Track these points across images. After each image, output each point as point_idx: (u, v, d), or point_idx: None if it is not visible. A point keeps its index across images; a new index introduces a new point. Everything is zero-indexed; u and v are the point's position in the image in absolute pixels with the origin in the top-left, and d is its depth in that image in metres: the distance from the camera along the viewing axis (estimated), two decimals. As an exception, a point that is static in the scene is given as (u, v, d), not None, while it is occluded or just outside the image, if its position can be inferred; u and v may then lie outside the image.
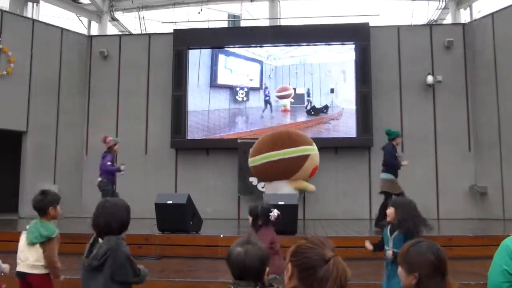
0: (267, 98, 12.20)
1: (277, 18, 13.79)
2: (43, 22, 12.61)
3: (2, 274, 3.23)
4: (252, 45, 12.46)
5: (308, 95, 12.10)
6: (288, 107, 12.16)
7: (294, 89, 12.19)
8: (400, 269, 1.91)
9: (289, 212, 6.58)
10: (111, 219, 2.58)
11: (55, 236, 3.45)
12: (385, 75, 12.00)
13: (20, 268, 3.41)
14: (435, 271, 1.82)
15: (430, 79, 11.75)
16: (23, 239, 3.49)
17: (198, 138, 12.18)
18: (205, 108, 12.25)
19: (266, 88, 12.24)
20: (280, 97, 12.21)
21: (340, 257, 1.52)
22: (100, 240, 2.58)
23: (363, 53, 11.87)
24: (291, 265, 1.56)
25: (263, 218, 4.01)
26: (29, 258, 3.41)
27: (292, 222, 6.84)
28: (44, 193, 3.53)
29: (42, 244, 3.42)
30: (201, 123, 12.23)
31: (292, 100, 12.16)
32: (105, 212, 2.60)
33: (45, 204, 3.47)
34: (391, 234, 3.52)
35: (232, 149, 11.68)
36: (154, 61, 12.71)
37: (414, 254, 1.87)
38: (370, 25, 12.11)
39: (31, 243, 3.42)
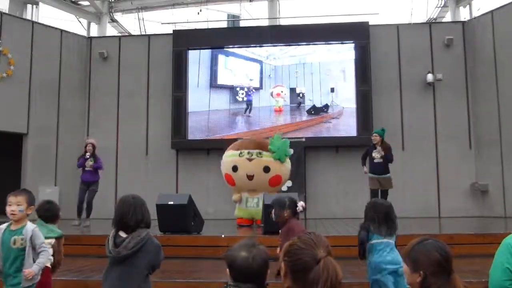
0: (249, 100, 12.21)
1: (277, 18, 13.78)
2: (43, 24, 12.62)
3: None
4: (251, 45, 12.45)
5: (299, 96, 12.09)
6: (282, 107, 12.15)
7: (294, 88, 12.19)
8: (405, 267, 1.90)
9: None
10: (144, 214, 2.79)
11: (62, 236, 3.74)
12: (385, 74, 12.00)
13: None
14: (440, 269, 1.81)
15: (430, 77, 11.74)
16: None
17: (199, 138, 12.17)
18: (205, 109, 12.25)
19: (252, 91, 12.21)
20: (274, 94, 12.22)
21: (331, 257, 1.51)
22: (123, 234, 2.73)
23: (363, 52, 11.87)
24: (284, 264, 1.56)
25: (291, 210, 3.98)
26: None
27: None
28: (49, 202, 3.86)
29: (55, 240, 3.64)
30: (201, 123, 12.23)
31: (285, 100, 12.15)
32: (135, 207, 2.79)
33: (54, 212, 3.78)
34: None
35: (232, 149, 11.67)
36: (154, 62, 12.71)
37: (420, 252, 1.85)
38: (370, 24, 12.10)
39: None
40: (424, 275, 1.81)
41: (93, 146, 8.96)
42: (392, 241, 3.66)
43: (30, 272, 3.15)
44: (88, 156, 8.84)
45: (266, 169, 8.49)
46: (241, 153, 8.64)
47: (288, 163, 8.88)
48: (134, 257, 2.67)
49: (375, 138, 8.39)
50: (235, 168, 8.66)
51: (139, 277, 2.70)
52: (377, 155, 8.27)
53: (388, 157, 8.27)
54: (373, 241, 3.63)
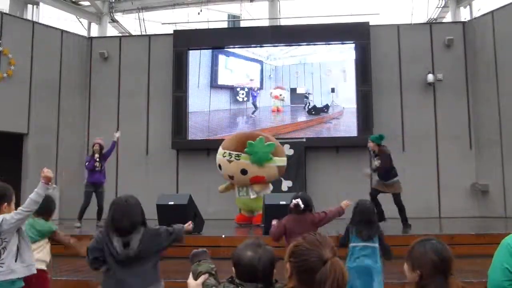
0: (254, 100, 12.22)
1: (277, 18, 13.78)
2: (43, 24, 12.62)
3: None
4: (252, 45, 12.45)
5: (306, 97, 12.10)
6: (280, 107, 12.12)
7: (294, 88, 12.19)
8: (405, 265, 1.94)
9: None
10: (139, 215, 2.81)
11: (56, 229, 3.69)
12: (385, 74, 11.99)
13: None
14: (436, 270, 1.83)
15: (430, 77, 11.74)
16: None
17: (199, 138, 12.18)
18: (205, 109, 12.25)
19: (257, 91, 12.21)
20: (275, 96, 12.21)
21: (337, 258, 1.51)
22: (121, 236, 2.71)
23: (363, 52, 11.87)
24: (289, 265, 1.55)
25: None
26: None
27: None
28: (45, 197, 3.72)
29: (50, 237, 3.63)
30: (201, 123, 12.23)
31: (284, 101, 12.13)
32: (131, 210, 2.78)
33: (46, 207, 3.69)
34: None
35: (233, 149, 11.67)
36: (154, 62, 12.71)
37: (418, 252, 1.89)
38: (370, 24, 12.10)
39: (33, 241, 3.53)
40: (421, 275, 1.84)
41: (100, 147, 8.99)
42: (372, 244, 3.66)
43: None
44: (97, 159, 8.87)
45: (244, 172, 8.60)
46: (224, 153, 8.88)
47: (275, 162, 8.73)
48: (142, 252, 2.72)
49: (369, 145, 8.07)
50: (219, 167, 9.06)
51: (151, 269, 2.79)
52: (375, 163, 7.94)
53: (381, 167, 7.82)
54: (353, 244, 3.73)
